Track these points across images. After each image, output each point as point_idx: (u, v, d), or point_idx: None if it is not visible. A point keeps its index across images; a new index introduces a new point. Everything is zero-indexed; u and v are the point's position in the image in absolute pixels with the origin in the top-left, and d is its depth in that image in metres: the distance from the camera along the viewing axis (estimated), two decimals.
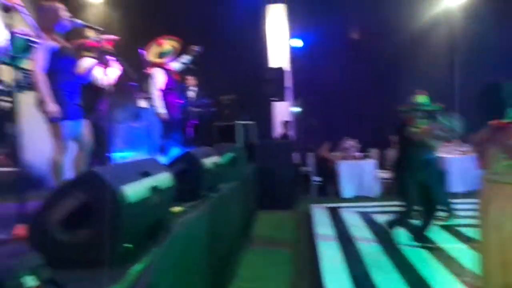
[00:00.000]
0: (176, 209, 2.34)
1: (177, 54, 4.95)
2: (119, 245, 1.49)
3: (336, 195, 7.71)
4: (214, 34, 7.41)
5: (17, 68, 1.86)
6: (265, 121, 8.65)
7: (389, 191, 7.06)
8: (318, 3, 8.67)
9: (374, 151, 8.45)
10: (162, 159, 3.70)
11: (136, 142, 5.23)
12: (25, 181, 2.09)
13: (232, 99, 6.95)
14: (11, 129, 1.93)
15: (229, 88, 7.10)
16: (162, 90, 4.48)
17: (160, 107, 4.60)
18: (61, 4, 2.93)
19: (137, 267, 1.38)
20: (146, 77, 4.05)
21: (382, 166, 7.92)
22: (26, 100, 1.90)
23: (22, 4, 1.90)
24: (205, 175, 2.84)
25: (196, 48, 5.08)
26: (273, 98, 7.84)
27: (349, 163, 7.80)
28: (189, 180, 2.72)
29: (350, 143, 8.12)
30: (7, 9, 1.83)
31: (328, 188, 8.00)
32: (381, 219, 5.29)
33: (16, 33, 1.83)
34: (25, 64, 2.37)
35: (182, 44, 4.86)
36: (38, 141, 3.15)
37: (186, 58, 5.12)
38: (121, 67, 3.76)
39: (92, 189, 1.56)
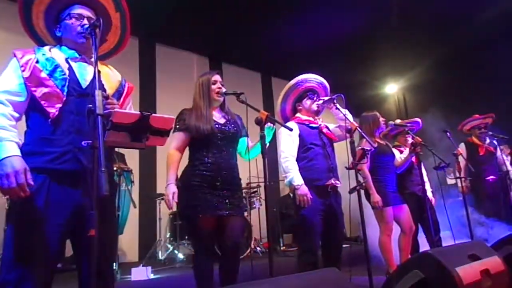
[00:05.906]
0: None
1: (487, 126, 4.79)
2: None
3: None
4: None
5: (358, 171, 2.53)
6: None
7: None
8: None
9: None
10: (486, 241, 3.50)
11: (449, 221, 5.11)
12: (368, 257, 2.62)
13: None
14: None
15: None
16: (471, 165, 4.35)
17: (464, 182, 4.44)
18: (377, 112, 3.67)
19: None
20: (455, 157, 4.12)
21: None
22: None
23: (358, 125, 2.63)
24: None
25: None
26: None
27: None
28: None
29: None
30: (350, 131, 2.59)
31: None
32: None
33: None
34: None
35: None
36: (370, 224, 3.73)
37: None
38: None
39: (429, 269, 1.85)
